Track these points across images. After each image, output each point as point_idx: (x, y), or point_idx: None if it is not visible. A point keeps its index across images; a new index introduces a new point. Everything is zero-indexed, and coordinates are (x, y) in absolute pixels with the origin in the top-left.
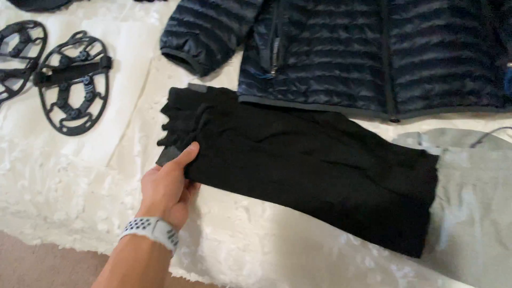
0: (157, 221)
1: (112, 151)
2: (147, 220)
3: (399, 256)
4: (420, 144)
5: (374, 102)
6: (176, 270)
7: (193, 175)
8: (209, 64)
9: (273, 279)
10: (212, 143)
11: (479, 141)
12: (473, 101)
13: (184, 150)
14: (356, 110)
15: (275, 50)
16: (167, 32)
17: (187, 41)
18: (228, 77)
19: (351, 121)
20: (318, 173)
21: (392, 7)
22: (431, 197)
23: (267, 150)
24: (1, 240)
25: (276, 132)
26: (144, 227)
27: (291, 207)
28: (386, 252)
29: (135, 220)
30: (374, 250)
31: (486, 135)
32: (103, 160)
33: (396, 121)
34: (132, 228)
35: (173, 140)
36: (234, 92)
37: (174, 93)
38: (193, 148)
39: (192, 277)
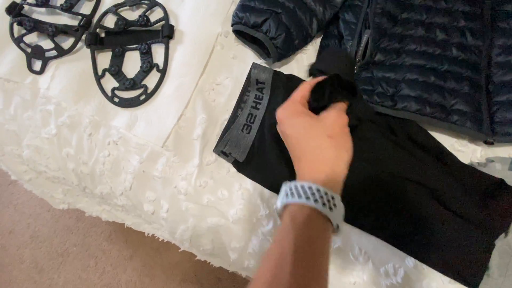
0: (340, 201)
1: (169, 131)
2: (333, 199)
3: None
4: (510, 170)
5: (470, 118)
6: (213, 259)
7: (247, 173)
8: (285, 49)
9: None
10: (274, 135)
11: None
12: None
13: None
14: (449, 125)
15: (363, 43)
16: (244, 7)
17: (266, 20)
18: (299, 65)
19: (429, 133)
20: (378, 186)
21: (498, 13)
22: (502, 230)
23: None
24: (17, 195)
25: None
26: (330, 208)
27: (345, 222)
28: (455, 282)
29: (318, 190)
30: (443, 278)
31: None
32: (158, 139)
33: (491, 143)
34: (316, 201)
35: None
36: (302, 81)
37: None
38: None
39: (231, 268)
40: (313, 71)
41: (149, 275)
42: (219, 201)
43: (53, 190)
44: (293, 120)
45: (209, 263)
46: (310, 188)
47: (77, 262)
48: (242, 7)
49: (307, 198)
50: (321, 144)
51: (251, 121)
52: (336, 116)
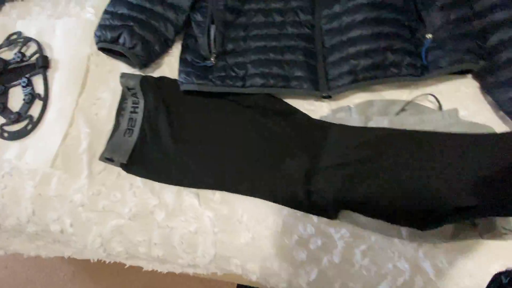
0: None
1: (55, 152)
2: None
3: (337, 221)
4: (351, 116)
5: (307, 81)
6: (138, 262)
7: (136, 172)
8: (147, 55)
9: (226, 256)
10: (154, 133)
11: (403, 109)
12: (395, 73)
13: None
14: (290, 90)
15: (212, 37)
16: (101, 26)
17: (121, 33)
18: (169, 67)
19: (281, 100)
20: (248, 154)
21: None
22: None
23: (202, 139)
24: None
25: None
26: None
27: (231, 192)
28: (325, 219)
29: None
30: (315, 218)
31: (409, 103)
32: (47, 162)
33: (328, 97)
34: None
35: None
36: (172, 80)
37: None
38: None
39: (154, 266)
40: None
41: None
42: (114, 204)
43: None
44: None
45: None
46: None
47: None
48: (99, 27)
49: None
50: None
51: (132, 125)
52: None
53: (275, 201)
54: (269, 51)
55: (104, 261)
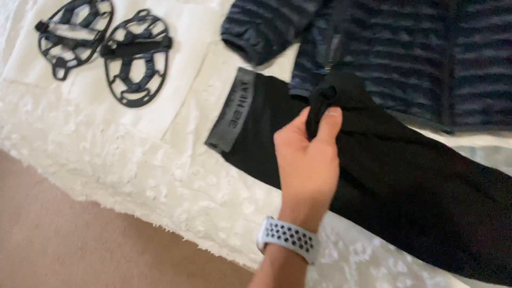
0: (317, 240)
1: (167, 126)
2: (310, 240)
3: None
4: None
5: (430, 110)
6: (205, 242)
7: (233, 162)
8: (265, 54)
9: None
10: (257, 130)
11: None
12: None
13: (326, 122)
14: (410, 117)
15: (333, 46)
16: (229, 19)
17: (247, 29)
18: (280, 68)
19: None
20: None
21: (461, 14)
22: None
23: None
24: (43, 193)
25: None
26: (307, 250)
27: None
28: (419, 261)
29: (297, 232)
30: (409, 256)
31: None
32: (158, 134)
33: (450, 132)
34: (294, 243)
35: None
36: (281, 82)
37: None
38: (337, 116)
39: (221, 252)
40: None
41: (159, 269)
42: (208, 187)
43: (73, 182)
44: (283, 149)
45: (212, 254)
46: (289, 229)
47: (95, 255)
48: (228, 20)
49: (286, 240)
50: (302, 185)
51: (237, 117)
52: (317, 153)
53: (369, 228)
54: (393, 71)
55: (153, 226)
